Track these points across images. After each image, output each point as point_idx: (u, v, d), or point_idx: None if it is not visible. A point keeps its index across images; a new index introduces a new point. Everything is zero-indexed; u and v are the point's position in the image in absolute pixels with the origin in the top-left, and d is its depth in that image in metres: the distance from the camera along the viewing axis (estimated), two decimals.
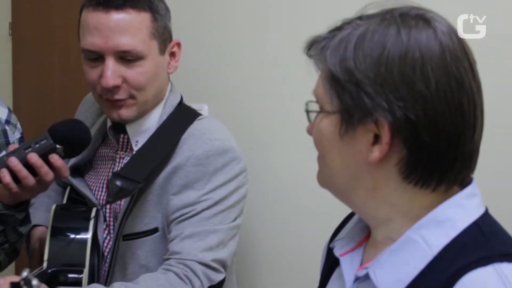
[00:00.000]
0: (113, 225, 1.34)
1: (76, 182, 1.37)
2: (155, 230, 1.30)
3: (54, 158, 1.18)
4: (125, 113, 1.29)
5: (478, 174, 0.81)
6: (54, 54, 2.09)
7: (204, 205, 1.27)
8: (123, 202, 1.31)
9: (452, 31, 0.75)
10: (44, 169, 1.17)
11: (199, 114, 1.39)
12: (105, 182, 1.37)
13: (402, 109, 0.70)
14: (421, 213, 0.75)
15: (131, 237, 1.30)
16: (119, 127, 1.35)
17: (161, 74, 1.32)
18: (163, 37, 1.30)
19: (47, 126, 1.24)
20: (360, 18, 0.77)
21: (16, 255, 1.44)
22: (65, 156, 1.23)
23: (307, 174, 0.99)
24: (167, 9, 1.34)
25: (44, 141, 1.19)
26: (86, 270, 1.28)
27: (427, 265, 0.72)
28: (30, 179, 1.16)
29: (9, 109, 1.49)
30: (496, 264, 0.69)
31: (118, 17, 1.24)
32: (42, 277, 1.24)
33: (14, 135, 1.46)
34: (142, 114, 1.33)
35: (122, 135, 1.37)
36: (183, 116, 1.36)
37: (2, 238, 1.35)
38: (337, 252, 0.87)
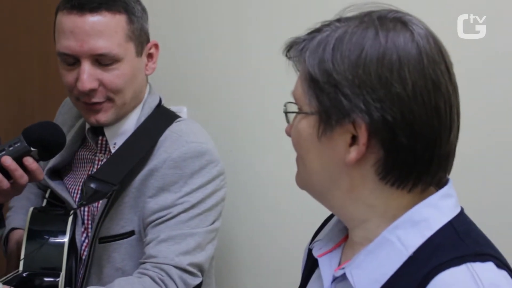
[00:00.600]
0: (91, 228, 1.32)
1: (55, 185, 1.36)
2: (131, 233, 1.28)
3: (29, 161, 1.17)
4: (102, 117, 1.28)
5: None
6: (33, 57, 2.08)
7: (181, 208, 1.25)
8: (100, 205, 1.29)
9: (429, 34, 0.76)
10: (19, 172, 1.16)
11: (178, 116, 1.38)
12: (74, 179, 1.37)
13: (379, 110, 0.71)
14: (398, 213, 0.76)
15: (108, 240, 1.28)
16: (98, 130, 1.34)
17: (139, 76, 1.31)
18: (140, 39, 1.29)
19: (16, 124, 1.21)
20: (338, 20, 0.78)
21: None
22: (40, 159, 1.22)
23: (287, 176, 0.98)
24: (143, 10, 1.32)
25: (18, 143, 1.18)
26: (62, 274, 1.27)
27: (402, 265, 0.73)
28: (4, 183, 1.16)
29: None
30: (469, 263, 0.69)
31: (93, 20, 1.22)
32: (17, 281, 1.23)
33: None
34: (121, 117, 1.32)
35: (100, 138, 1.35)
36: (161, 118, 1.35)
37: None
38: (315, 253, 0.87)
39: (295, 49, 0.80)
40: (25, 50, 2.11)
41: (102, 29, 1.23)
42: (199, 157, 1.29)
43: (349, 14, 0.79)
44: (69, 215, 1.31)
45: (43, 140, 1.21)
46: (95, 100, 1.26)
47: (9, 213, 1.44)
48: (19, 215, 1.42)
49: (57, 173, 1.40)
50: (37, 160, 1.21)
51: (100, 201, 1.29)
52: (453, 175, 0.81)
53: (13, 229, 1.41)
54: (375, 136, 0.72)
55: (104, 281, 1.29)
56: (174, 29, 1.75)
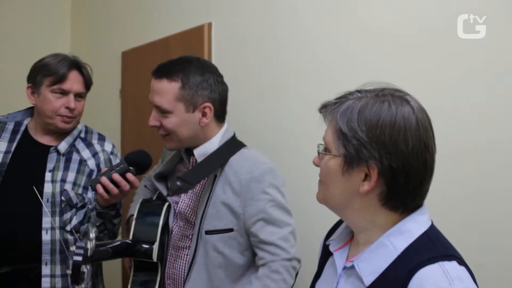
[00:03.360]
0: (180, 215, 1.83)
1: (159, 185, 1.89)
2: (230, 230, 1.75)
3: (129, 175, 1.81)
4: (167, 145, 1.83)
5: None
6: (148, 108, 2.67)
7: (270, 210, 1.72)
8: (202, 206, 1.77)
9: (423, 109, 1.07)
10: (123, 183, 1.80)
11: (245, 145, 1.86)
12: None
13: (388, 160, 1.01)
14: (390, 225, 1.07)
15: (212, 232, 1.75)
16: (190, 151, 1.85)
17: (189, 125, 1.77)
18: (191, 100, 1.74)
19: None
20: (359, 91, 1.09)
21: (115, 237, 2.09)
22: (137, 174, 1.83)
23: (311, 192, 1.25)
24: (204, 81, 1.76)
25: (122, 165, 1.82)
26: (156, 243, 1.78)
27: (393, 261, 1.03)
28: (115, 190, 1.80)
29: (113, 145, 2.24)
30: (440, 262, 0.99)
31: (157, 83, 1.76)
32: (125, 245, 1.78)
33: (115, 162, 2.15)
34: (183, 146, 1.85)
35: (192, 157, 1.86)
36: (233, 145, 1.83)
37: (102, 227, 1.99)
38: (331, 248, 1.20)
39: (328, 108, 1.11)
40: (143, 104, 2.58)
41: (160, 91, 1.74)
42: (270, 172, 1.76)
43: (367, 88, 1.09)
44: (164, 205, 1.84)
45: (137, 162, 1.83)
46: (161, 133, 1.80)
47: (131, 204, 2.04)
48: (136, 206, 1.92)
49: (164, 178, 1.92)
50: (135, 175, 1.82)
51: (200, 206, 1.77)
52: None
53: (131, 215, 1.93)
54: (382, 176, 1.03)
55: (209, 259, 1.76)
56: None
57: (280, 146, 2.10)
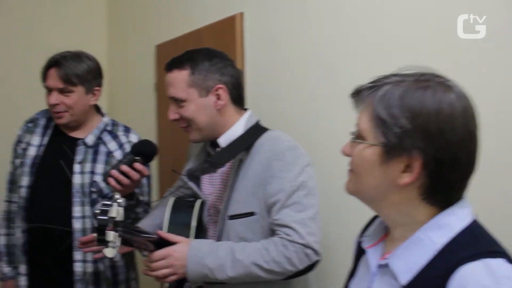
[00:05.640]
0: (217, 209, 1.79)
1: (191, 184, 1.88)
2: (251, 214, 1.69)
3: (137, 165, 1.87)
4: (190, 136, 1.83)
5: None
6: None
7: (291, 189, 1.64)
8: (225, 192, 1.75)
9: (468, 97, 0.99)
10: (132, 173, 1.87)
11: (269, 130, 1.81)
12: (210, 181, 1.87)
13: (434, 151, 0.94)
14: (427, 219, 0.99)
15: (234, 217, 1.71)
16: (214, 143, 1.84)
17: (206, 110, 1.77)
18: (203, 85, 1.75)
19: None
20: (396, 75, 1.01)
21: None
22: (144, 163, 1.90)
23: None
24: (213, 65, 1.77)
25: (129, 156, 1.90)
26: (190, 234, 1.78)
27: (431, 258, 0.95)
28: (125, 181, 1.87)
29: (138, 136, 2.31)
30: (485, 259, 0.90)
31: (168, 76, 1.79)
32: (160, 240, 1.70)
33: None
34: (206, 136, 1.82)
35: (217, 148, 1.83)
36: (257, 130, 1.80)
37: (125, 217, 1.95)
38: (364, 245, 1.13)
39: (362, 94, 1.03)
40: None
41: (172, 81, 1.77)
42: (293, 149, 1.70)
43: (405, 71, 1.02)
44: (195, 202, 1.84)
45: (143, 152, 1.92)
46: (181, 125, 1.81)
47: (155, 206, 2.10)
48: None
49: (196, 177, 1.89)
50: (143, 164, 1.89)
51: (225, 191, 1.75)
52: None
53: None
54: (425, 168, 0.95)
55: None
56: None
57: (317, 138, 2.03)
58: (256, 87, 2.31)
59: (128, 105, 3.44)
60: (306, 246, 1.59)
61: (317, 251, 1.62)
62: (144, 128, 2.99)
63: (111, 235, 1.46)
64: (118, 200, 1.52)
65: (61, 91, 2.17)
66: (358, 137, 1.03)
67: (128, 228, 1.59)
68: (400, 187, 0.98)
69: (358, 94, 1.04)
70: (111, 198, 1.51)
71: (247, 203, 1.69)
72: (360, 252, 1.17)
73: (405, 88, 0.97)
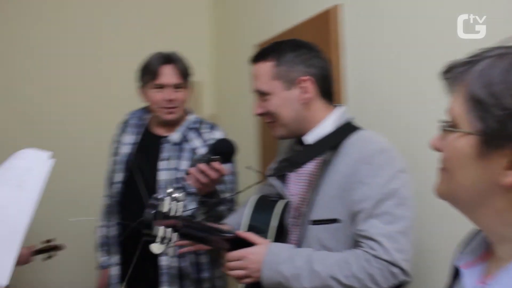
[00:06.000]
0: (300, 212, 1.64)
1: (276, 183, 1.77)
2: (335, 221, 1.54)
3: (215, 164, 1.84)
4: (275, 132, 1.74)
5: None
6: None
7: (379, 197, 1.47)
8: (309, 194, 1.61)
9: None
10: (209, 171, 1.84)
11: (362, 129, 1.65)
12: (296, 181, 1.73)
13: None
14: None
15: (317, 222, 1.57)
16: (300, 142, 1.73)
17: (290, 104, 1.67)
18: (287, 77, 1.66)
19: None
20: (499, 47, 0.82)
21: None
22: (223, 162, 1.87)
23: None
24: (298, 56, 1.67)
25: (208, 154, 1.90)
26: (269, 235, 1.67)
27: None
28: (203, 179, 1.85)
29: (223, 132, 2.33)
30: None
31: (253, 68, 1.74)
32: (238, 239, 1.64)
33: None
34: (291, 133, 1.72)
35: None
36: (347, 129, 1.65)
37: (207, 215, 2.04)
38: (459, 264, 0.92)
39: (454, 71, 0.84)
40: None
41: (256, 74, 1.71)
42: (384, 152, 1.54)
43: (509, 43, 0.83)
44: (277, 201, 1.72)
45: (221, 151, 1.89)
46: (266, 120, 1.74)
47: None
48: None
49: (282, 176, 1.77)
50: (221, 163, 1.86)
51: (309, 193, 1.61)
52: None
53: None
54: None
55: None
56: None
57: (422, 141, 1.69)
58: (358, 85, 2.16)
59: (227, 104, 3.50)
60: (392, 263, 1.42)
61: (406, 270, 1.44)
62: (244, 126, 3.01)
63: (159, 230, 1.42)
64: (174, 195, 1.47)
65: (175, 87, 2.31)
66: (450, 125, 0.83)
67: (193, 225, 1.56)
68: (505, 189, 0.76)
69: (450, 72, 0.85)
70: (172, 193, 1.49)
71: (331, 208, 1.55)
72: (456, 273, 0.95)
73: (510, 61, 0.77)
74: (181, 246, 1.87)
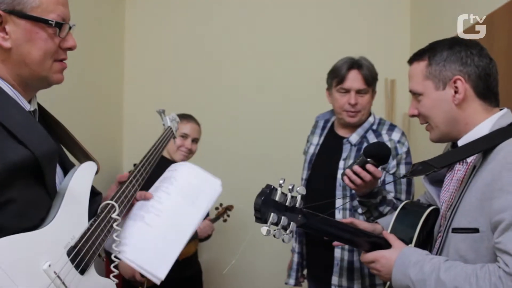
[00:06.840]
0: (445, 219, 1.60)
1: (430, 188, 1.74)
2: (475, 230, 1.45)
3: (369, 166, 1.94)
4: (430, 135, 1.66)
5: None
6: None
7: None
8: (455, 201, 1.56)
9: None
10: (363, 174, 1.95)
11: None
12: (448, 187, 1.67)
13: None
14: None
15: (457, 231, 1.51)
16: (454, 144, 1.67)
17: (442, 106, 1.59)
18: (439, 76, 1.58)
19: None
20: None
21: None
22: (377, 165, 1.95)
23: None
24: (453, 54, 1.58)
25: (361, 158, 1.97)
26: (412, 245, 1.67)
27: None
28: (358, 181, 1.97)
29: (402, 133, 2.37)
30: None
31: (409, 70, 1.68)
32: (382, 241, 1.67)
33: (402, 149, 2.33)
34: (445, 136, 1.62)
35: None
36: (503, 132, 1.50)
37: (368, 214, 2.17)
38: None
39: None
40: None
41: (411, 74, 1.67)
42: None
43: None
44: (427, 208, 1.72)
45: (374, 154, 1.96)
46: (421, 122, 1.68)
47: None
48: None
49: (439, 182, 1.72)
50: (376, 166, 1.94)
51: (454, 199, 1.56)
52: None
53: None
54: None
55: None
56: None
57: None
58: None
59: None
60: None
61: None
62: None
63: (270, 216, 1.43)
64: (290, 187, 1.46)
65: (359, 92, 2.38)
66: None
67: (316, 218, 1.55)
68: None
69: None
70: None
71: (472, 217, 1.46)
72: None
73: None
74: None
